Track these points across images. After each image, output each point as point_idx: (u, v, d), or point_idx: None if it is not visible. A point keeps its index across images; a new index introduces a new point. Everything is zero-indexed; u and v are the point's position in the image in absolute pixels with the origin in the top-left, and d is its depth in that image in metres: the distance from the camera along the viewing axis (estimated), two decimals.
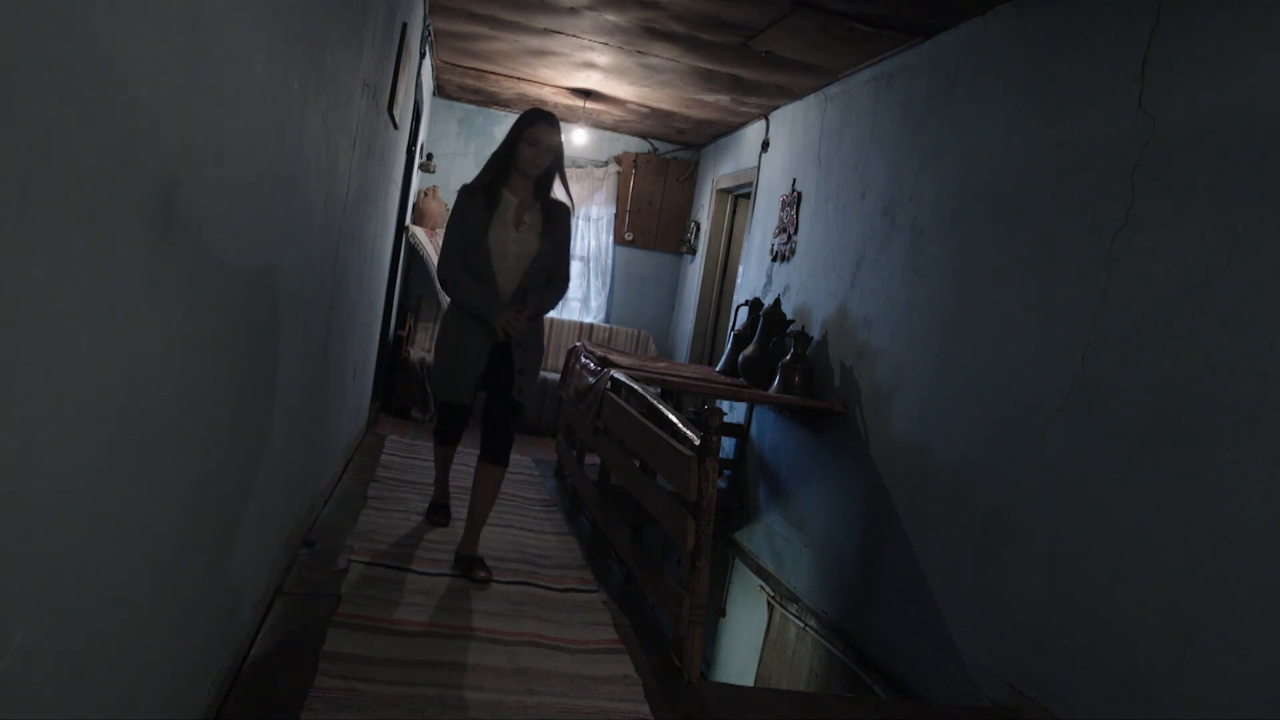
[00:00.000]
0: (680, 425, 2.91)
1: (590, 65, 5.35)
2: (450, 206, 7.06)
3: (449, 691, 2.23)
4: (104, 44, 0.91)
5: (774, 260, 5.35)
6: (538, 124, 3.04)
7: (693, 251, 7.24)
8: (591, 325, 7.16)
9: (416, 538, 3.38)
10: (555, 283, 3.16)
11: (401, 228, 5.85)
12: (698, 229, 7.17)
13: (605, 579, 3.35)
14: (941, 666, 3.09)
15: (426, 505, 3.76)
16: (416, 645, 2.46)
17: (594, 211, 7.46)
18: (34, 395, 0.87)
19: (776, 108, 5.72)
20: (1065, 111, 2.94)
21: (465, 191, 3.13)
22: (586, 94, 6.11)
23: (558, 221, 3.13)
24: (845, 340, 4.25)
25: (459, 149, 7.21)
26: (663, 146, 7.48)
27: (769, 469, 4.94)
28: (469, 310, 3.07)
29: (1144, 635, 2.32)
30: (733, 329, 5.48)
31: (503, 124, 7.27)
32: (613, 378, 4.02)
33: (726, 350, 5.15)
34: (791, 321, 4.74)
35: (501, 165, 3.11)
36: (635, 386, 3.74)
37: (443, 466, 3.67)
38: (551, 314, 7.39)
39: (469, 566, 3.07)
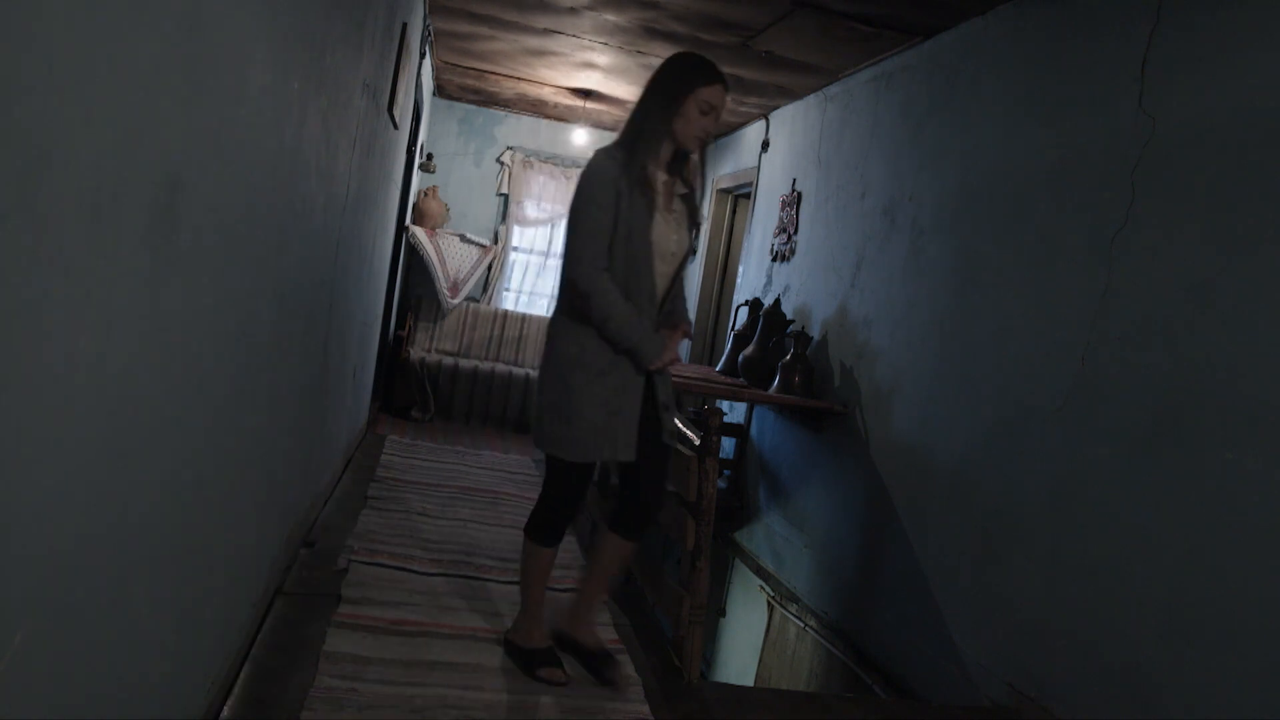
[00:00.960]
0: (680, 425, 2.91)
1: (590, 65, 5.35)
2: (450, 207, 7.11)
3: (449, 691, 2.23)
4: (104, 43, 0.91)
5: (774, 260, 5.35)
6: (716, 82, 2.25)
7: (693, 251, 7.23)
8: None
9: (416, 538, 3.38)
10: (681, 291, 2.51)
11: (401, 228, 5.85)
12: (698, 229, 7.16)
13: None
14: (941, 666, 3.09)
15: (527, 644, 2.44)
16: (416, 645, 2.45)
17: None
18: (34, 395, 0.87)
19: (776, 108, 5.72)
20: (1065, 111, 2.94)
21: (608, 159, 2.24)
22: (586, 94, 6.11)
23: (696, 210, 2.45)
24: (845, 340, 4.25)
25: (459, 149, 7.21)
26: None
27: (769, 469, 4.94)
28: (614, 340, 2.25)
29: (1144, 635, 2.32)
30: (733, 329, 5.48)
31: (503, 124, 7.25)
32: None
33: (726, 350, 5.15)
34: (791, 321, 4.74)
35: (653, 133, 2.25)
36: None
37: (541, 581, 2.46)
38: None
39: (597, 664, 2.42)
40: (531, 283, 7.52)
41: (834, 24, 3.86)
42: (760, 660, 4.61)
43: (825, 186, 4.79)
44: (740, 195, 6.72)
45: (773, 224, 5.46)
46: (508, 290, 7.44)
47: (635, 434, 2.33)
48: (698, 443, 2.70)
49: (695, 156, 2.38)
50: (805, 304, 4.78)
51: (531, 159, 7.28)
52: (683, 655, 2.61)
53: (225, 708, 1.96)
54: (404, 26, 3.73)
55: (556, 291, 2.40)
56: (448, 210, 7.09)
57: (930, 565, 3.26)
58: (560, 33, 4.73)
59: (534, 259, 7.51)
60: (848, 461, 4.04)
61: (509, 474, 4.81)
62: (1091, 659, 2.47)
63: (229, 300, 1.56)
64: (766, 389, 4.52)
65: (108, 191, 0.97)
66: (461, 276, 6.84)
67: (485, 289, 7.26)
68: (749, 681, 4.62)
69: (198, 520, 1.58)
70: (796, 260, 5.02)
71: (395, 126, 4.01)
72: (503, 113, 7.22)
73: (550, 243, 7.50)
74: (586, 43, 4.85)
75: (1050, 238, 2.90)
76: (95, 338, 1.00)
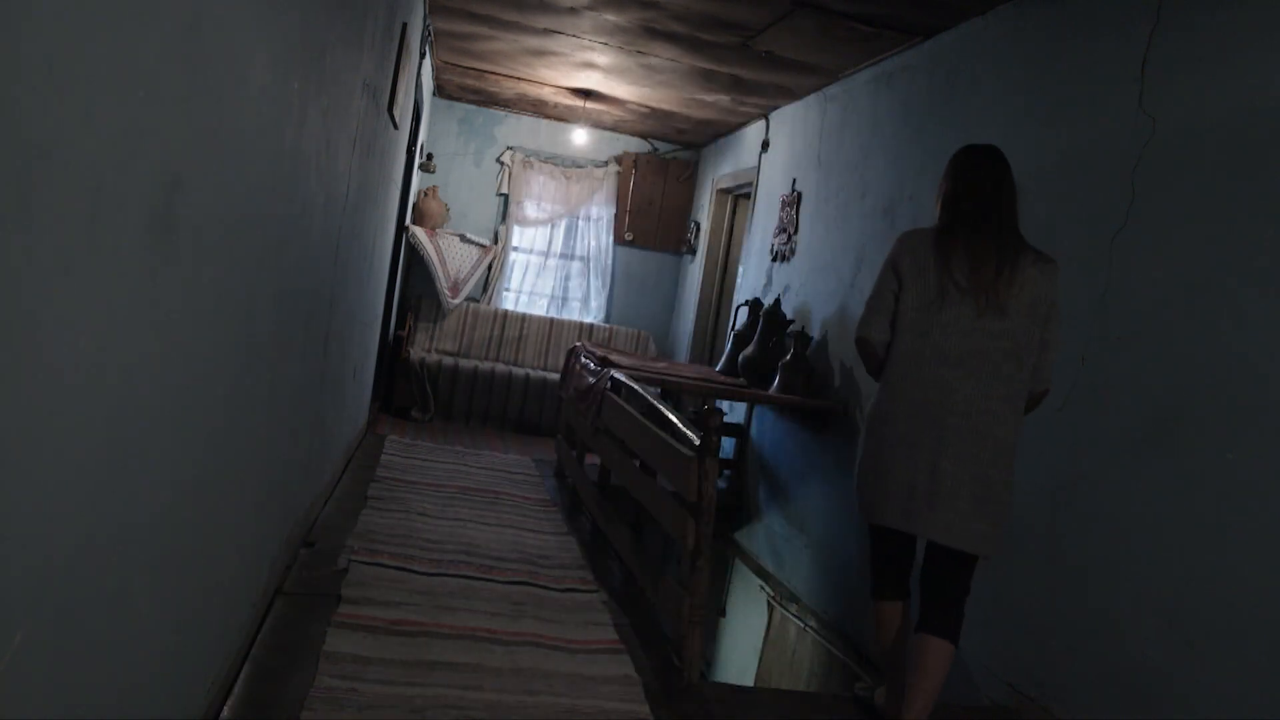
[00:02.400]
0: (680, 425, 2.91)
1: (590, 65, 5.35)
2: (450, 207, 7.12)
3: (449, 691, 2.23)
4: (104, 43, 0.91)
5: (774, 260, 5.34)
6: None
7: (693, 251, 7.24)
8: (591, 325, 7.16)
9: (416, 538, 3.38)
10: None
11: (401, 228, 5.85)
12: (698, 229, 7.17)
13: (605, 579, 3.35)
14: None
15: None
16: (416, 645, 2.45)
17: (594, 211, 7.47)
18: (34, 395, 0.87)
19: (776, 108, 5.71)
20: (1065, 111, 2.94)
21: None
22: (586, 94, 6.11)
23: None
24: (845, 340, 4.24)
25: (459, 149, 7.21)
26: (663, 146, 7.47)
27: (769, 469, 4.93)
28: None
29: (1144, 635, 2.31)
30: (733, 329, 5.48)
31: (503, 124, 7.25)
32: (613, 378, 4.02)
33: (726, 350, 5.15)
34: (791, 321, 4.74)
35: None
36: (635, 386, 3.74)
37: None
38: (552, 314, 7.44)
39: None
40: (531, 283, 7.51)
41: (834, 24, 3.86)
42: (760, 660, 4.60)
43: (825, 187, 4.79)
44: (740, 195, 6.72)
45: (773, 224, 5.46)
46: (508, 290, 7.44)
47: None
48: (698, 443, 2.70)
49: None
50: (805, 304, 4.78)
51: (531, 159, 7.28)
52: (683, 655, 2.61)
53: (225, 708, 1.96)
54: (404, 26, 3.73)
55: (1006, 392, 2.24)
56: (448, 210, 7.09)
57: None
58: (560, 33, 4.73)
59: (534, 259, 7.51)
60: (848, 461, 4.03)
61: (509, 474, 4.81)
62: (1091, 659, 2.47)
63: (229, 300, 1.56)
64: (766, 389, 4.52)
65: (107, 191, 0.97)
66: (462, 276, 6.85)
67: (485, 289, 7.27)
68: (749, 681, 4.62)
69: (198, 520, 1.58)
70: (796, 260, 5.02)
71: (395, 126, 4.01)
72: (503, 113, 7.23)
73: (550, 242, 7.50)
74: (586, 43, 4.85)
75: (1050, 238, 2.90)
76: (95, 338, 0.99)
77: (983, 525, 2.20)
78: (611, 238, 7.47)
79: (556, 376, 6.24)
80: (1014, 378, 2.23)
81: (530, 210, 7.36)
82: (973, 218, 2.26)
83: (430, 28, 4.94)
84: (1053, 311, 2.26)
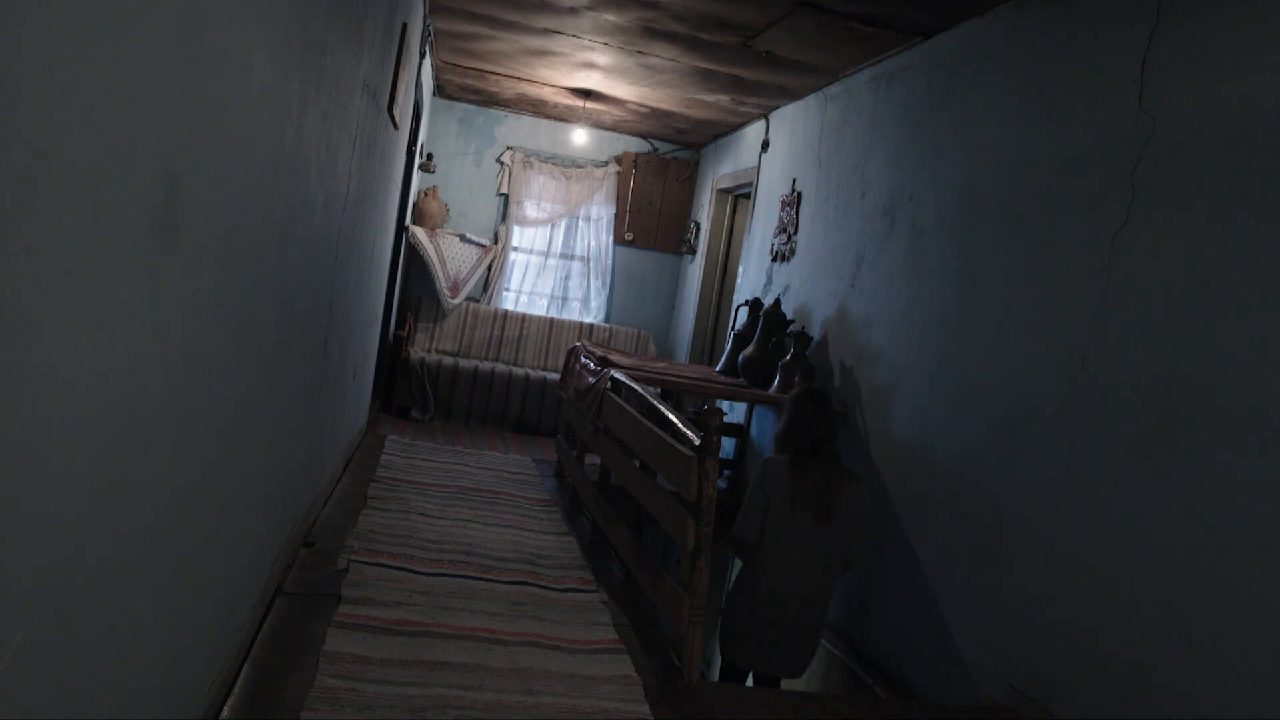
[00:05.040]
0: (680, 425, 2.91)
1: (590, 65, 5.35)
2: (450, 207, 7.13)
3: (449, 691, 2.23)
4: (104, 43, 0.91)
5: (774, 260, 5.34)
6: None
7: (693, 251, 7.24)
8: (591, 325, 7.16)
9: (416, 538, 3.38)
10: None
11: (401, 228, 5.85)
12: (698, 229, 7.17)
13: (605, 579, 3.35)
14: (941, 666, 3.09)
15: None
16: (416, 645, 2.46)
17: (594, 211, 7.47)
18: (34, 394, 0.87)
19: (776, 108, 5.71)
20: (1065, 111, 2.94)
21: None
22: (586, 94, 6.11)
23: None
24: (845, 340, 4.24)
25: (459, 149, 7.21)
26: (663, 146, 7.47)
27: None
28: None
29: (1144, 635, 2.32)
30: (733, 329, 5.48)
31: (503, 124, 7.26)
32: (613, 378, 4.02)
33: (726, 350, 5.15)
34: (791, 321, 4.74)
35: None
36: (635, 386, 3.74)
37: None
38: (552, 314, 7.45)
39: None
40: (531, 283, 7.51)
41: (834, 24, 3.86)
42: None
43: (825, 186, 4.79)
44: (740, 195, 6.72)
45: (773, 224, 5.46)
46: (508, 290, 7.44)
47: None
48: (698, 443, 2.70)
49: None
50: (805, 304, 4.78)
51: (531, 159, 7.28)
52: (683, 655, 2.61)
53: (225, 708, 1.96)
54: (404, 26, 3.73)
55: (833, 578, 3.14)
56: (448, 210, 7.09)
57: (930, 565, 3.26)
58: (560, 33, 4.73)
59: (534, 259, 7.51)
60: (847, 461, 4.03)
61: (509, 474, 4.81)
62: (1091, 658, 2.47)
63: (229, 300, 1.56)
64: (766, 389, 4.52)
65: (107, 191, 0.97)
66: (462, 276, 6.85)
67: (485, 289, 7.27)
68: (749, 681, 4.61)
69: (198, 520, 1.58)
70: (796, 260, 5.02)
71: (395, 126, 4.01)
72: (503, 113, 7.22)
73: (550, 242, 7.50)
74: (586, 43, 4.85)
75: (1050, 238, 2.90)
76: (96, 338, 1.00)
77: (802, 661, 3.13)
78: (611, 238, 7.47)
79: (556, 376, 6.24)
80: (837, 567, 3.08)
81: (530, 210, 7.36)
82: (811, 453, 3.04)
83: (430, 28, 4.94)
84: (864, 512, 3.13)
